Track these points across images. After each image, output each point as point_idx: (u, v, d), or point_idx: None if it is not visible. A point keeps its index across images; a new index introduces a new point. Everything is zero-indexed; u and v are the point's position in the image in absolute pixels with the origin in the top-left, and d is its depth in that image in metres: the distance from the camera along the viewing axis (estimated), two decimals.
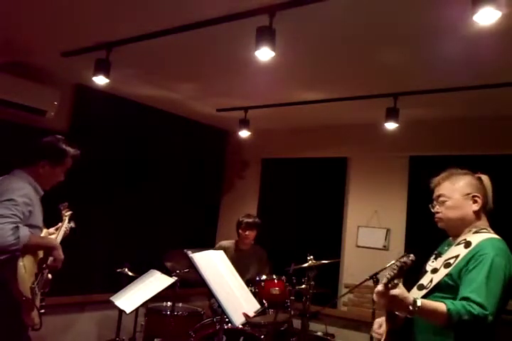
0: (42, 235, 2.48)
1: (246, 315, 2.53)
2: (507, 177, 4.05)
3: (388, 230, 4.62)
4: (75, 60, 3.49)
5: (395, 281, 1.60)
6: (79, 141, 2.70)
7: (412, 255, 1.64)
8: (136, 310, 3.61)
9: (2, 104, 3.56)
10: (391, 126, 3.90)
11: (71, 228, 2.84)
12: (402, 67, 3.28)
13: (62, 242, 2.60)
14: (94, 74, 3.26)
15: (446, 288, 1.80)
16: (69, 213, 2.92)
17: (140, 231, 4.72)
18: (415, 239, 4.45)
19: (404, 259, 1.61)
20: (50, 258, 2.38)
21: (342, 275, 4.81)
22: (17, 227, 2.11)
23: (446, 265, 1.83)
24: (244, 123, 4.63)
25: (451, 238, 2.01)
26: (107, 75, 3.26)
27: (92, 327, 4.36)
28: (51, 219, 2.77)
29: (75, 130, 4.16)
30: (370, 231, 4.74)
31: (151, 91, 4.34)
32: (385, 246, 4.61)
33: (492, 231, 1.92)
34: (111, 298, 3.60)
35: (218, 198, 5.80)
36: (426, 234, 4.36)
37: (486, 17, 2.07)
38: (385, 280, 1.62)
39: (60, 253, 2.39)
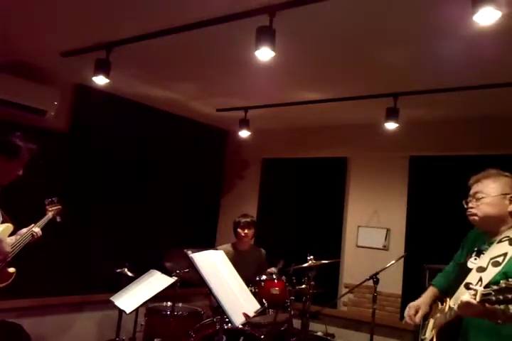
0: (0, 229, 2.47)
1: (246, 315, 2.53)
2: None
3: (388, 230, 4.62)
4: (74, 60, 3.49)
5: (501, 307, 1.48)
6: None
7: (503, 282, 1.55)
8: (136, 310, 3.60)
9: (2, 104, 3.56)
10: (391, 126, 3.90)
11: (57, 222, 2.83)
12: (402, 67, 3.28)
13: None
14: (94, 74, 3.27)
15: None
16: (55, 208, 2.92)
17: (140, 231, 4.72)
18: (415, 239, 4.46)
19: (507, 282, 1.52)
20: None
21: (342, 275, 4.82)
22: None
23: (495, 263, 1.85)
24: (244, 123, 4.63)
25: (487, 235, 2.05)
26: (106, 75, 3.26)
27: (92, 327, 4.35)
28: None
29: (75, 130, 4.16)
30: (370, 231, 4.73)
31: (151, 91, 4.34)
32: (385, 246, 4.61)
33: None
34: (111, 298, 3.60)
35: (218, 198, 5.80)
36: (426, 234, 4.39)
37: (486, 17, 2.07)
38: (479, 296, 1.52)
39: (3, 246, 2.38)
